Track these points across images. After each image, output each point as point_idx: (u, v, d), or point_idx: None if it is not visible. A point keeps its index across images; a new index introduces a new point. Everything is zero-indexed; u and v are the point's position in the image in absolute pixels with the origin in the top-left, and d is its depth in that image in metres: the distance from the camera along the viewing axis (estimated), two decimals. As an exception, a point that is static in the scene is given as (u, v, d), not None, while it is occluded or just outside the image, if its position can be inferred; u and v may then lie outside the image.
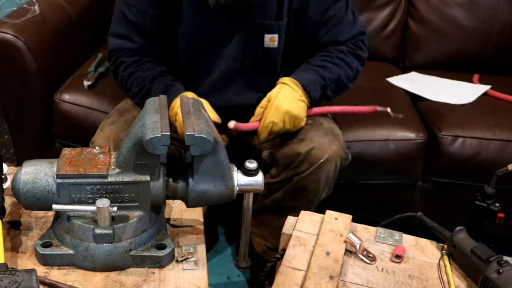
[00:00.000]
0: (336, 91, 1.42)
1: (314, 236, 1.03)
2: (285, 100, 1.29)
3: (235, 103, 1.42)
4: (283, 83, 1.33)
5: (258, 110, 1.33)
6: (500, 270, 0.89)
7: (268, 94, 1.33)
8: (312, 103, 1.36)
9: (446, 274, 0.98)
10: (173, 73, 1.42)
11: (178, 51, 1.43)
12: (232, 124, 1.28)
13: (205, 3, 1.31)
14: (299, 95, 1.32)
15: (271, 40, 1.39)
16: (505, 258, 0.94)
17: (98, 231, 0.90)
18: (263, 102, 1.33)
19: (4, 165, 1.10)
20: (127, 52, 1.42)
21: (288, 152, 1.36)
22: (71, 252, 0.91)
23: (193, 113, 0.94)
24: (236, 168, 0.97)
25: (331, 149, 1.34)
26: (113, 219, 0.91)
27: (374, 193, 1.80)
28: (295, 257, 0.98)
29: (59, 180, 0.90)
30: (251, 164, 0.96)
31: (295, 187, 1.39)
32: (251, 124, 1.32)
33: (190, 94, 1.31)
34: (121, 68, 1.43)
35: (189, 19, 1.38)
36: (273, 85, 1.37)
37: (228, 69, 1.42)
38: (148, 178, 0.91)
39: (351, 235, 1.01)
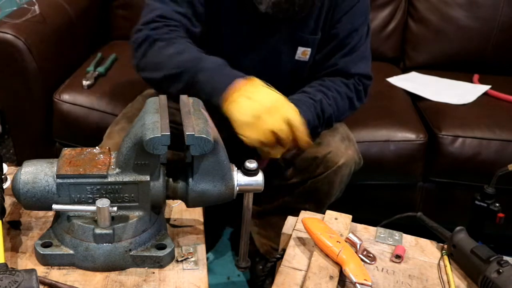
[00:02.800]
0: (323, 128, 1.37)
1: (314, 236, 1.03)
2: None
3: None
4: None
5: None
6: (500, 270, 0.89)
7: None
8: None
9: (446, 274, 0.98)
10: None
11: (212, 50, 1.36)
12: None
13: (246, 7, 1.28)
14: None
15: (304, 53, 1.37)
16: (505, 258, 0.94)
17: (98, 231, 0.90)
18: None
19: (4, 165, 1.10)
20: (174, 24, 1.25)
21: (305, 155, 1.35)
22: (71, 252, 0.91)
23: (193, 113, 0.94)
24: (236, 168, 0.97)
25: (347, 154, 1.34)
26: (113, 219, 0.91)
27: (374, 193, 1.80)
28: (295, 257, 0.98)
29: (59, 180, 0.90)
30: (251, 164, 0.96)
31: (308, 190, 1.38)
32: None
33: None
34: (161, 35, 1.22)
35: (228, 21, 1.33)
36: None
37: (255, 75, 1.40)
38: (148, 178, 0.91)
39: (351, 235, 1.01)
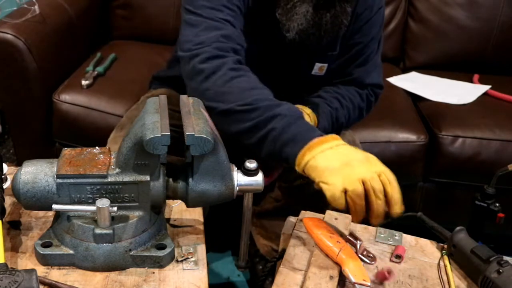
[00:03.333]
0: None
1: (314, 236, 1.03)
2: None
3: None
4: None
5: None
6: (500, 270, 0.89)
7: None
8: None
9: (446, 274, 0.98)
10: None
11: None
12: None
13: (272, 35, 1.25)
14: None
15: (320, 69, 1.36)
16: (505, 258, 0.94)
17: (98, 231, 0.90)
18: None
19: (4, 165, 1.10)
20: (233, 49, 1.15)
21: None
22: (71, 252, 0.91)
23: (193, 113, 0.94)
24: (236, 168, 0.97)
25: None
26: (113, 219, 0.91)
27: (374, 193, 1.80)
28: (295, 257, 0.98)
29: (59, 180, 0.90)
30: (251, 164, 0.96)
31: (312, 193, 1.37)
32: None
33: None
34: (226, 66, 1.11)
35: (251, 36, 1.24)
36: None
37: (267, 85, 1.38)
38: (148, 178, 0.91)
39: (350, 234, 1.01)
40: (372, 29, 1.35)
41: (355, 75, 1.38)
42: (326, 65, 1.37)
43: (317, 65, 1.36)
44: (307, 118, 1.22)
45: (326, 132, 1.27)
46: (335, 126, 1.33)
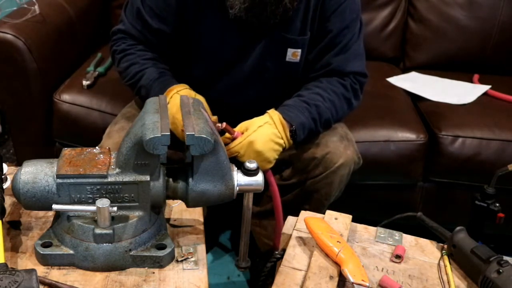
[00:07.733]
0: (321, 131, 1.37)
1: (314, 236, 1.03)
2: (262, 140, 1.21)
3: (248, 108, 1.38)
4: (271, 118, 1.25)
5: (241, 126, 1.25)
6: (500, 270, 0.89)
7: (250, 122, 1.24)
8: (295, 145, 1.31)
9: (446, 274, 0.98)
10: (186, 77, 1.39)
11: (199, 59, 1.40)
12: (223, 124, 1.21)
13: (228, 14, 1.28)
14: (279, 138, 1.23)
15: (294, 54, 1.37)
16: (505, 258, 0.94)
17: (98, 231, 0.90)
18: (243, 126, 1.24)
19: (4, 165, 1.10)
20: (133, 39, 1.39)
21: (303, 155, 1.35)
22: (71, 252, 0.91)
23: (193, 113, 0.94)
24: (236, 168, 0.97)
25: (346, 154, 1.34)
26: (113, 219, 0.91)
27: (374, 193, 1.80)
28: (295, 257, 0.98)
29: (59, 180, 0.90)
30: (251, 164, 0.96)
31: (307, 190, 1.38)
32: (236, 134, 1.23)
33: (183, 89, 1.29)
34: (119, 45, 1.40)
35: (211, 30, 1.34)
36: (289, 96, 1.34)
37: (246, 80, 1.40)
38: (148, 178, 0.91)
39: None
40: (345, 16, 1.35)
41: (335, 64, 1.37)
42: (299, 50, 1.37)
43: (290, 50, 1.37)
44: (272, 128, 1.23)
45: (311, 129, 1.30)
46: (320, 121, 1.32)
